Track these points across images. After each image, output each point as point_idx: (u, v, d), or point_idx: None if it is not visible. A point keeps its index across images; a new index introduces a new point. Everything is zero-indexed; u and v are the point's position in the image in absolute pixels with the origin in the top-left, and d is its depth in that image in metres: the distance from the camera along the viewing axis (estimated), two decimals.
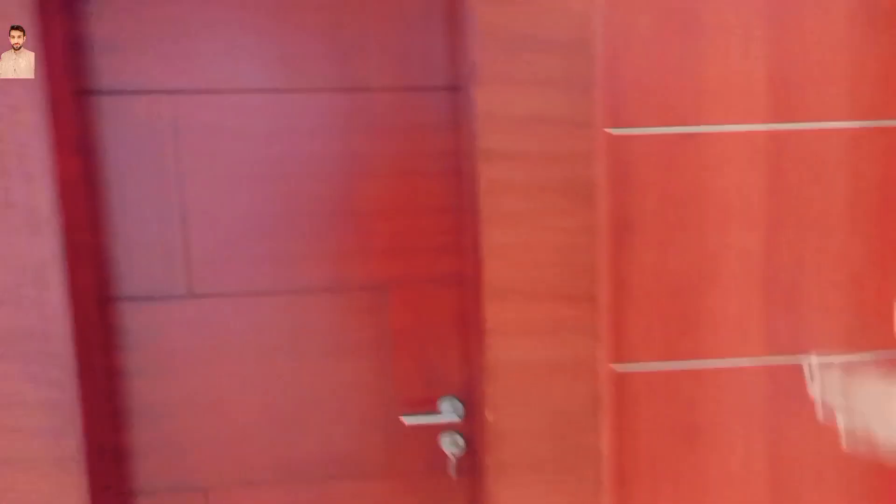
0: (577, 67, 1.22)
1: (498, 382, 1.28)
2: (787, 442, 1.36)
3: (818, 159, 1.31)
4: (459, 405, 1.41)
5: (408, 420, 1.37)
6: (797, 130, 1.30)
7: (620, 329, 1.31)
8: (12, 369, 1.18)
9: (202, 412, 1.36)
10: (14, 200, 1.15)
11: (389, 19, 1.32)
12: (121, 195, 1.30)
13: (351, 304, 1.36)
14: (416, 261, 1.37)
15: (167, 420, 1.35)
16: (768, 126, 1.29)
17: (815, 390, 1.32)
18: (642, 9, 1.25)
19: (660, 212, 1.29)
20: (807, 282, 1.33)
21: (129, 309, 1.32)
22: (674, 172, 1.29)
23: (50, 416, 1.20)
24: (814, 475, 1.38)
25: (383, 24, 1.31)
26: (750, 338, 1.34)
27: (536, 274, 1.26)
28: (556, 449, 1.30)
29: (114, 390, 1.34)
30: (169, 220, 1.31)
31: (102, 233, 1.30)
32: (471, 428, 1.41)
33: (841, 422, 1.30)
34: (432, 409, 1.41)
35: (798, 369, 1.34)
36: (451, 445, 1.40)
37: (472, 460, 1.42)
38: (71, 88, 1.25)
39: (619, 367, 1.32)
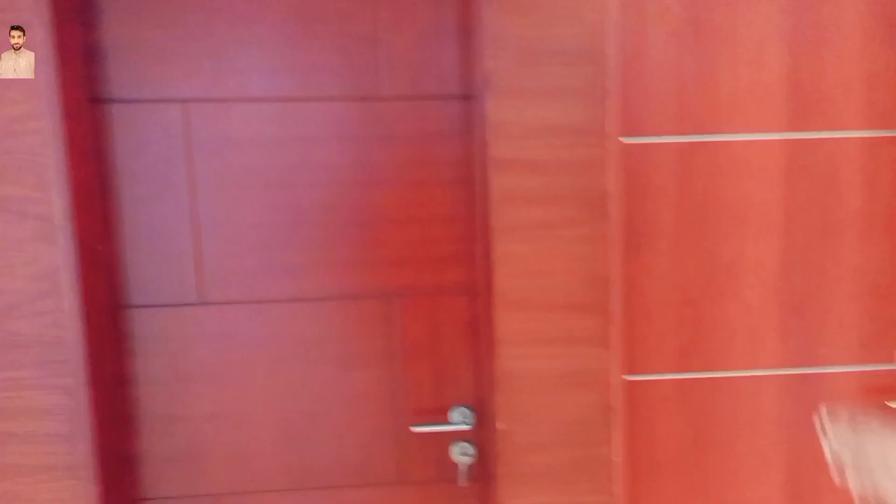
0: (590, 76, 1.22)
1: (509, 392, 1.27)
2: (801, 453, 1.35)
3: (834, 168, 1.29)
4: (470, 414, 1.40)
5: (418, 429, 1.37)
6: (812, 139, 1.29)
7: (633, 339, 1.30)
8: (24, 376, 1.19)
9: (213, 419, 1.36)
10: (28, 208, 1.16)
11: (402, 28, 1.31)
12: (134, 203, 1.30)
13: (362, 313, 1.36)
14: (427, 270, 1.37)
15: (178, 427, 1.35)
16: (783, 135, 1.28)
17: (827, 449, 1.31)
18: (656, 18, 1.24)
19: (674, 221, 1.28)
20: (822, 292, 1.32)
21: (141, 316, 1.33)
22: (687, 181, 1.28)
23: (61, 422, 1.20)
24: (828, 486, 1.36)
25: (396, 33, 1.31)
26: (764, 348, 1.32)
27: (548, 283, 1.25)
28: (568, 459, 1.29)
29: (125, 397, 1.34)
30: (181, 228, 1.31)
31: (115, 241, 1.31)
32: (481, 437, 1.41)
33: (852, 481, 1.28)
34: (443, 419, 1.40)
35: (812, 379, 1.33)
36: (461, 455, 1.39)
37: (482, 470, 1.41)
38: (85, 97, 1.25)
39: (632, 378, 1.31)
